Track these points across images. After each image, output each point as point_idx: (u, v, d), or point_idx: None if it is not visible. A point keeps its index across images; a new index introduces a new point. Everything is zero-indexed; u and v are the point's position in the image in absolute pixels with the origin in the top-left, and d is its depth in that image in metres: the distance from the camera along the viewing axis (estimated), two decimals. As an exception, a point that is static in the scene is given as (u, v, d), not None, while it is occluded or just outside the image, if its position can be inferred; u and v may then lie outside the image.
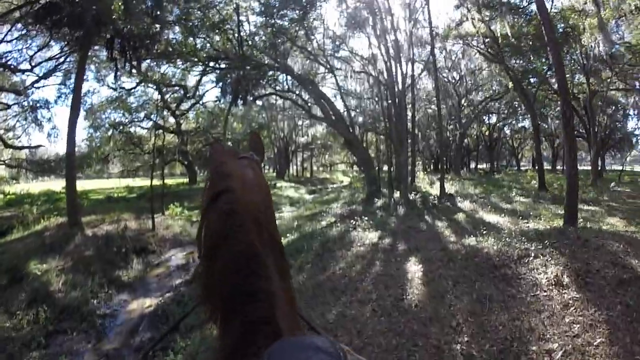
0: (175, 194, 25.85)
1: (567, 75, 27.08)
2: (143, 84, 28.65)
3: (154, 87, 30.62)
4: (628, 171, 40.29)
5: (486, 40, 23.76)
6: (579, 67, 25.66)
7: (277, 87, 24.64)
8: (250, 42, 20.69)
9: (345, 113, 21.66)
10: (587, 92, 25.45)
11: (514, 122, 43.81)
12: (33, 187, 30.22)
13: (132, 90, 30.03)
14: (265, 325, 0.84)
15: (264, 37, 20.45)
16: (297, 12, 18.97)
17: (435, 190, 19.87)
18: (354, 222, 12.87)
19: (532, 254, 7.56)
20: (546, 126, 39.06)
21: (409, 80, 22.44)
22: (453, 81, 34.36)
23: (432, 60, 20.58)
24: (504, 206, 15.37)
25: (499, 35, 22.49)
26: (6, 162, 28.54)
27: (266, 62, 20.82)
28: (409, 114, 23.20)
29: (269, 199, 1.32)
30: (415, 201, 16.72)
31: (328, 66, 22.42)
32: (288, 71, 20.85)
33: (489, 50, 24.50)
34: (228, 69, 21.98)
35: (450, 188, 21.49)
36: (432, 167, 43.23)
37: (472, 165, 46.48)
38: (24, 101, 26.06)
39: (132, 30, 16.36)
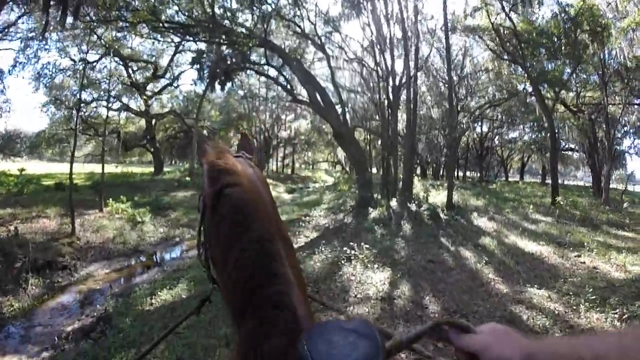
0: (132, 185, 21.38)
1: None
2: (107, 56, 23.66)
3: (120, 62, 26.00)
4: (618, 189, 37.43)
5: (505, 32, 19.75)
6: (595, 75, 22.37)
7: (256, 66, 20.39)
8: (223, 4, 16.42)
9: (337, 101, 17.24)
10: (604, 103, 21.56)
11: (504, 131, 40.11)
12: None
13: (95, 64, 24.75)
14: (285, 307, 0.83)
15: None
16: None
17: (435, 199, 16.31)
18: (346, 248, 8.55)
19: None
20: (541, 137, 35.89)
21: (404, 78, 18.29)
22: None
23: (444, 45, 16.56)
24: (528, 226, 12.40)
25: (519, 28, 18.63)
26: None
27: (242, 31, 16.30)
28: (400, 114, 19.34)
29: (272, 196, 1.32)
30: (420, 214, 12.52)
31: (319, 43, 17.97)
32: (268, 44, 16.35)
33: (503, 47, 20.45)
34: (197, 39, 17.60)
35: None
36: (419, 173, 39.20)
37: (460, 173, 42.79)
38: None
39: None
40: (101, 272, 10.42)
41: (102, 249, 11.73)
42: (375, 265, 7.61)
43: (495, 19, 19.40)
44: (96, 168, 27.87)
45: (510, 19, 18.23)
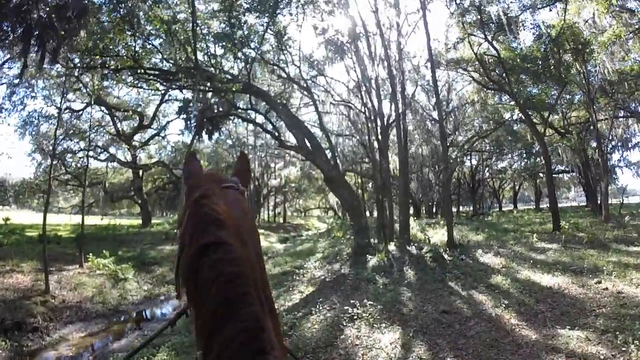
0: (117, 238, 20.15)
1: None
2: (92, 106, 23.24)
3: (105, 111, 25.44)
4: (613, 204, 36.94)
5: (489, 61, 19.59)
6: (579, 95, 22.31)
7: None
8: (207, 52, 15.98)
9: (327, 145, 16.60)
10: (592, 120, 21.23)
11: (493, 162, 39.83)
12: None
13: (81, 113, 24.38)
14: None
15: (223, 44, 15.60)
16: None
17: (433, 238, 15.40)
18: (347, 307, 7.45)
19: None
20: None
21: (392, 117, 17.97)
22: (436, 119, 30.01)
23: (430, 81, 16.22)
24: (536, 256, 11.50)
25: (502, 56, 18.49)
26: None
27: (225, 76, 15.84)
28: (390, 155, 18.70)
29: (259, 246, 1.10)
30: (423, 257, 11.57)
31: (305, 86, 17.51)
32: (252, 89, 15.82)
33: (488, 76, 20.22)
34: (181, 86, 17.03)
35: (447, 235, 16.98)
36: (412, 212, 38.37)
37: (454, 209, 42.05)
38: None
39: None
40: (76, 335, 9.36)
41: (78, 309, 10.60)
42: (382, 325, 6.58)
43: (478, 49, 19.21)
44: (87, 219, 26.72)
45: (493, 46, 18.07)
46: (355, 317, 6.93)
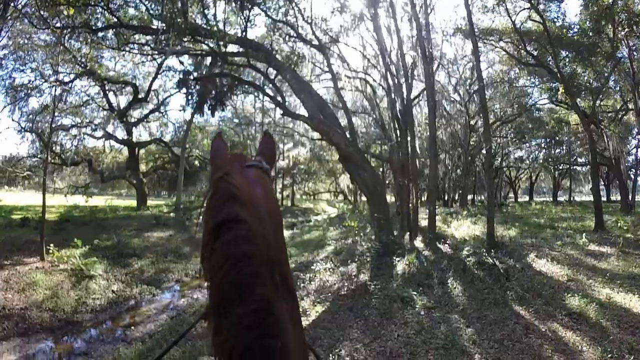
0: (100, 224, 17.15)
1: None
2: (82, 77, 21.12)
3: (96, 83, 22.57)
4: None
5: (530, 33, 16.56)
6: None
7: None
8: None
9: (345, 119, 13.64)
10: (637, 108, 18.02)
11: (512, 150, 36.77)
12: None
13: (70, 85, 21.51)
14: None
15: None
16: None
17: (459, 232, 13.15)
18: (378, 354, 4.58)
19: None
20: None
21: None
22: (459, 99, 26.84)
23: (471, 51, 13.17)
24: (598, 264, 9.16)
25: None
26: None
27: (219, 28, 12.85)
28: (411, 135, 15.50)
29: (280, 226, 1.01)
30: (463, 261, 8.70)
31: (317, 44, 14.34)
32: (251, 44, 12.73)
33: (526, 50, 17.08)
34: (173, 50, 14.21)
35: (474, 228, 14.55)
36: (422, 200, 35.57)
37: (470, 197, 39.20)
38: None
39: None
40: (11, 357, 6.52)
41: (20, 319, 7.74)
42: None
43: (515, 19, 16.04)
44: (82, 200, 24.09)
45: (538, 11, 14.80)
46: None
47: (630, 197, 22.86)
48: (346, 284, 7.84)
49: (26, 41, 18.69)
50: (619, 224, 13.56)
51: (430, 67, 13.51)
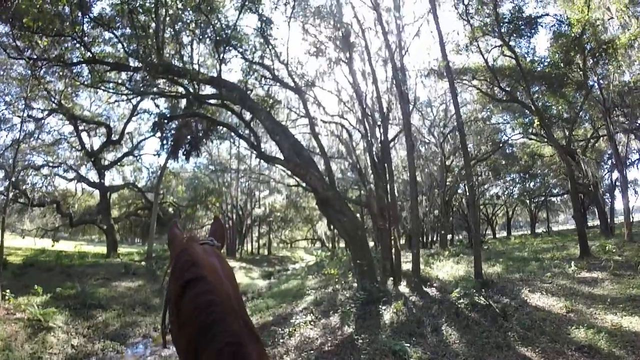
0: (65, 270, 15.90)
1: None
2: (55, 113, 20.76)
3: (68, 121, 21.94)
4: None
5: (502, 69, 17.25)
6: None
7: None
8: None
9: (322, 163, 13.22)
10: (609, 133, 18.47)
11: (487, 187, 37.06)
12: None
13: (43, 121, 21.22)
14: None
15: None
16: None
17: (441, 273, 13.03)
18: None
19: None
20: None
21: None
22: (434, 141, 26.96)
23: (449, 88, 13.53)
24: (593, 291, 9.06)
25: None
26: None
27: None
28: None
29: (237, 287, 1.11)
30: (454, 304, 8.03)
31: (294, 86, 14.06)
32: (225, 84, 12.36)
33: (499, 86, 17.39)
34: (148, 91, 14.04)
35: (457, 268, 14.34)
36: (403, 243, 35.02)
37: (448, 237, 39.04)
38: None
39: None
40: None
41: None
42: None
43: (487, 55, 16.43)
44: (49, 244, 23.21)
45: (510, 48, 15.36)
46: None
47: (609, 220, 23.10)
48: (330, 338, 7.05)
49: (2, 72, 18.24)
50: (606, 248, 13.48)
51: (407, 107, 13.33)
